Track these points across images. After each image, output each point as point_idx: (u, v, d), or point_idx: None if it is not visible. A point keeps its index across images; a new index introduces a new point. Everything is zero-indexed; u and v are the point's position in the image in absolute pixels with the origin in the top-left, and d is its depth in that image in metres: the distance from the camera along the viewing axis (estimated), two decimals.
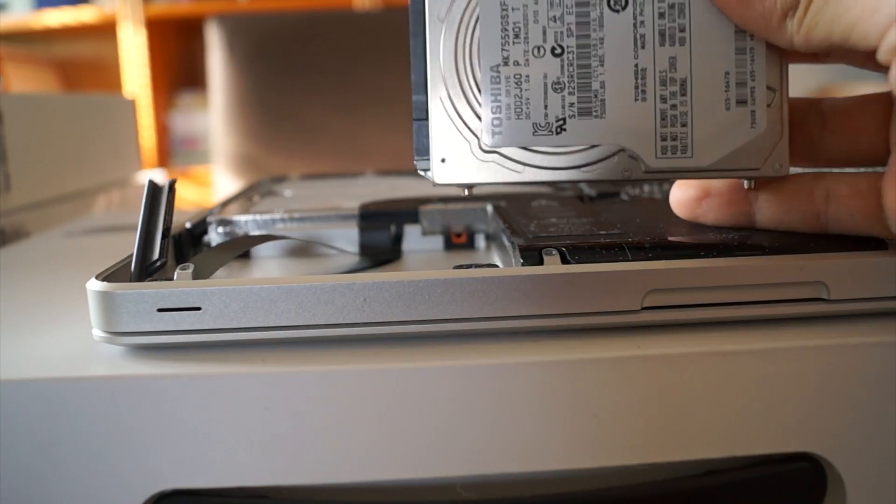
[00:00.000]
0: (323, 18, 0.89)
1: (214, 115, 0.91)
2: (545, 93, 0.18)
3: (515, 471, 0.18)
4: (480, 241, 0.28)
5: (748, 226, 0.20)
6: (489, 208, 0.27)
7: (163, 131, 1.32)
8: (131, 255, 0.20)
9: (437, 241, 0.28)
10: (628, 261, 0.19)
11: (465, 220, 0.28)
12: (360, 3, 1.24)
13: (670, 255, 0.19)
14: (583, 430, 0.18)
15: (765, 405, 0.18)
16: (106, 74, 1.36)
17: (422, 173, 0.19)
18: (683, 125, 0.18)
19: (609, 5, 0.18)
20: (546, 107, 0.18)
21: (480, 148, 0.18)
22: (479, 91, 0.18)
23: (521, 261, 0.19)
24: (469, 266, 0.19)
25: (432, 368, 0.17)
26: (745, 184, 0.19)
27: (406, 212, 0.28)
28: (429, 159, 0.18)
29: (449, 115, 0.18)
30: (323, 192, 0.36)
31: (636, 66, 0.18)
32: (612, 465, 0.18)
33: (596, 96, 0.18)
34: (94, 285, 0.18)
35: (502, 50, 0.18)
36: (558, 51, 0.18)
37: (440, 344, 0.18)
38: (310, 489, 0.18)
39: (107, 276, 0.19)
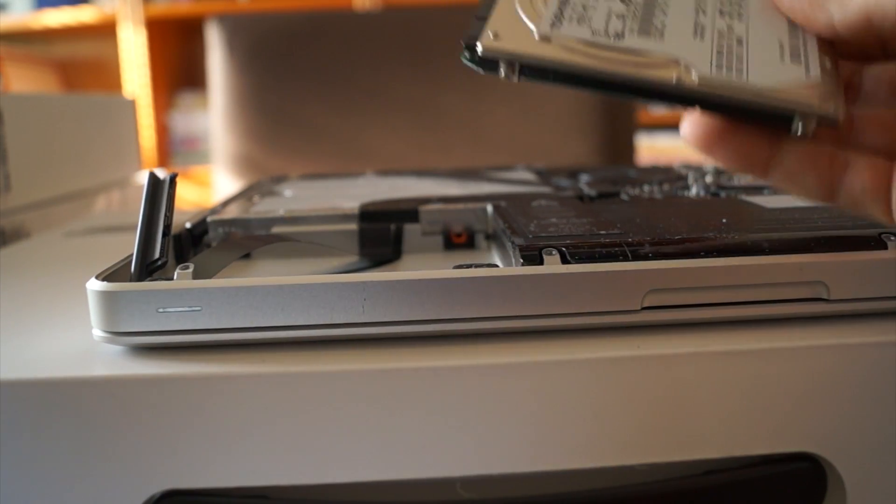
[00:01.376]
0: (323, 18, 0.89)
1: (214, 115, 0.91)
2: (609, 15, 0.19)
3: (515, 471, 0.18)
4: (480, 241, 0.28)
5: (759, 176, 0.20)
6: (489, 208, 0.27)
7: (163, 131, 1.32)
8: (131, 255, 0.20)
9: (437, 241, 0.28)
10: (628, 261, 0.19)
11: (465, 220, 0.28)
12: (361, 3, 1.24)
13: (670, 255, 0.19)
14: (583, 430, 0.18)
15: (765, 405, 0.18)
16: (106, 74, 1.36)
17: (466, 56, 0.18)
18: (739, 62, 0.18)
19: None
20: (608, 23, 0.18)
21: (537, 33, 0.18)
22: None
23: (521, 261, 0.19)
24: (469, 266, 0.19)
25: (432, 368, 0.17)
26: (795, 126, 0.18)
27: (406, 212, 0.28)
28: (485, 27, 0.18)
29: (514, 6, 0.18)
30: (323, 192, 0.36)
31: (696, 22, 0.19)
32: (612, 465, 0.18)
33: (656, 28, 0.19)
34: (95, 285, 0.18)
35: None
36: None
37: (440, 344, 0.18)
38: (310, 489, 0.18)
39: (107, 276, 0.19)
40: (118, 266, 0.20)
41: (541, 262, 0.19)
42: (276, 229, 0.27)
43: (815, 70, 0.18)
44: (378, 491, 0.19)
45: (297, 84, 0.89)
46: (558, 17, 0.18)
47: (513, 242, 0.21)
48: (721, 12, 0.19)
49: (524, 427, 0.18)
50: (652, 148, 1.28)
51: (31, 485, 0.17)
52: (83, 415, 0.17)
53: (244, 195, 0.35)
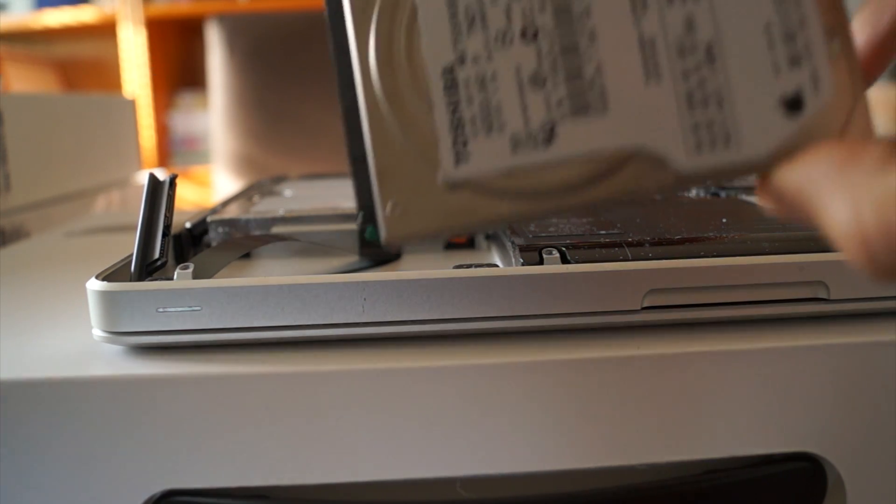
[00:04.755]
0: (323, 18, 0.89)
1: (214, 115, 0.91)
2: (521, 92, 0.13)
3: (515, 471, 0.18)
4: (480, 242, 0.28)
5: None
6: None
7: (163, 131, 1.32)
8: (131, 255, 0.20)
9: (437, 241, 0.28)
10: (628, 261, 0.19)
11: None
12: None
13: (670, 255, 0.19)
14: (583, 430, 0.18)
15: (765, 405, 0.18)
16: (106, 74, 1.36)
17: (371, 237, 0.14)
18: (720, 105, 0.13)
19: None
20: (525, 110, 0.13)
21: (443, 182, 0.13)
22: (432, 105, 0.13)
23: (521, 260, 0.19)
24: (469, 266, 0.19)
25: (432, 368, 0.17)
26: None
27: None
28: (375, 209, 0.14)
29: (395, 145, 0.13)
30: (323, 192, 0.36)
31: (640, 36, 0.13)
32: (612, 465, 0.18)
33: (592, 85, 0.13)
34: (95, 285, 0.18)
35: (455, 45, 0.13)
36: (531, 33, 0.13)
37: (440, 344, 0.18)
38: (310, 489, 0.18)
39: (107, 276, 0.19)
40: (118, 266, 0.20)
41: (541, 262, 0.19)
42: (276, 229, 0.27)
43: (825, 76, 0.13)
44: (378, 491, 0.19)
45: (297, 84, 0.89)
46: (459, 137, 0.13)
47: (513, 242, 0.21)
48: None
49: (524, 427, 0.18)
50: None
51: (32, 485, 0.17)
52: (83, 415, 0.17)
53: (244, 195, 0.35)
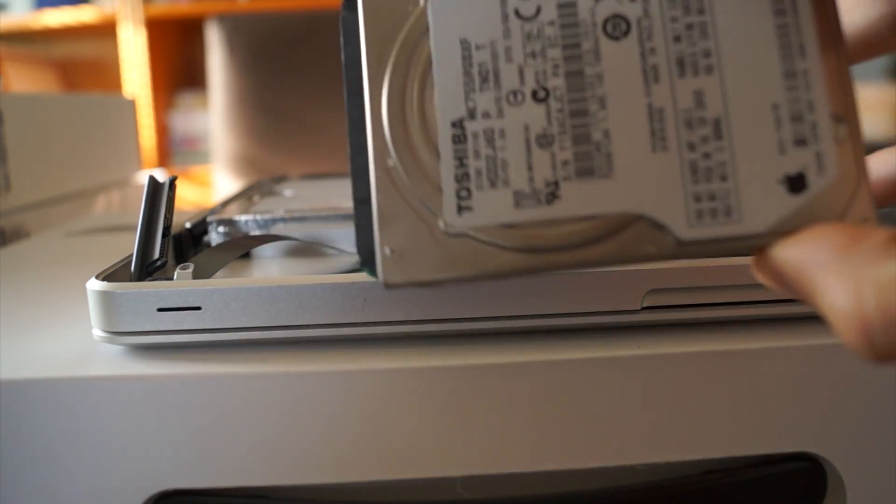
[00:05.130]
0: (323, 18, 0.89)
1: (214, 114, 0.91)
2: (528, 150, 0.13)
3: (515, 471, 0.18)
4: None
5: None
6: None
7: (163, 131, 1.32)
8: (131, 255, 0.20)
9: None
10: None
11: None
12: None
13: None
14: (583, 430, 0.18)
15: (765, 405, 0.18)
16: (106, 74, 1.36)
17: (368, 274, 0.14)
18: (723, 179, 0.13)
19: (605, 32, 0.14)
20: (531, 168, 0.13)
21: (444, 231, 0.13)
22: (439, 156, 0.14)
23: None
24: None
25: (432, 368, 0.17)
26: None
27: None
28: (374, 252, 0.14)
29: (399, 190, 0.14)
30: (323, 191, 0.36)
31: (649, 106, 0.13)
32: (612, 465, 0.18)
33: (598, 149, 0.13)
34: (94, 285, 0.18)
35: (466, 99, 0.14)
36: (542, 94, 0.13)
37: (440, 344, 0.18)
38: (310, 489, 0.18)
39: (107, 276, 0.19)
40: (118, 266, 0.20)
41: None
42: (276, 229, 0.27)
43: (830, 158, 0.13)
44: (378, 491, 0.19)
45: (297, 84, 0.89)
46: (463, 189, 0.13)
47: None
48: (681, 65, 0.13)
49: (524, 427, 0.18)
50: None
51: (32, 484, 0.17)
52: (83, 414, 0.17)
53: (244, 195, 0.35)
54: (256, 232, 0.27)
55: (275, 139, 0.88)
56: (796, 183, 0.13)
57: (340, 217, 0.28)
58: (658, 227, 0.13)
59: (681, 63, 0.13)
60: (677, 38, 0.13)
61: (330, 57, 0.85)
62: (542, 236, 0.13)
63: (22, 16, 1.29)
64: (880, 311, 0.10)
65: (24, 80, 1.26)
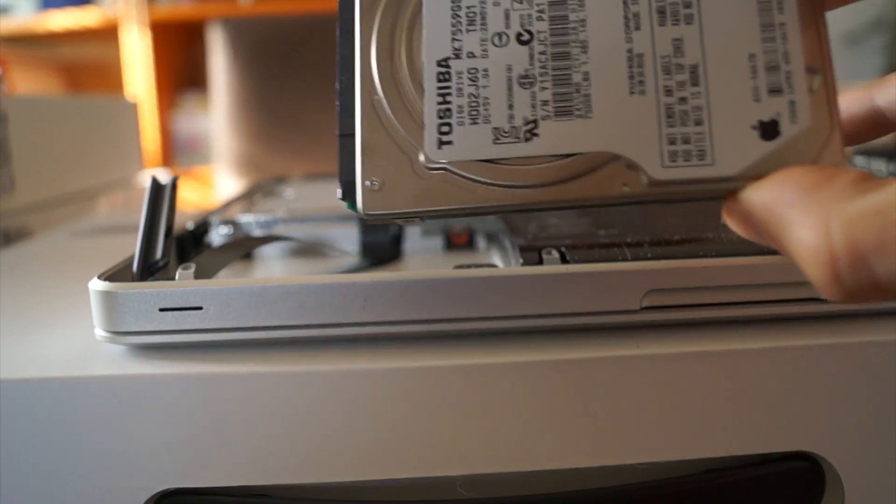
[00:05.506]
0: (324, 21, 0.89)
1: (217, 116, 0.91)
2: (510, 89, 0.14)
3: (515, 471, 0.18)
4: (480, 241, 0.28)
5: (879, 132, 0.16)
6: None
7: (166, 132, 1.32)
8: (133, 255, 0.20)
9: (437, 241, 0.28)
10: (627, 261, 0.19)
11: (465, 220, 0.28)
12: None
13: (669, 255, 0.19)
14: (583, 429, 0.18)
15: (764, 405, 0.18)
16: (109, 76, 1.36)
17: (350, 209, 0.15)
18: (698, 123, 0.13)
19: None
20: (511, 107, 0.14)
21: (424, 164, 0.14)
22: (424, 91, 0.14)
23: (521, 261, 0.19)
24: (469, 266, 0.19)
25: (432, 368, 0.17)
26: None
27: None
28: (355, 183, 0.14)
29: (383, 124, 0.14)
30: (324, 192, 0.36)
31: (629, 51, 0.14)
32: (612, 465, 0.18)
33: (578, 91, 0.14)
34: (97, 285, 0.18)
35: (453, 40, 0.14)
36: (525, 37, 0.14)
37: (440, 344, 0.18)
38: (310, 488, 0.18)
39: (109, 276, 0.19)
40: (120, 266, 0.20)
41: (540, 262, 0.19)
42: (278, 229, 0.28)
43: (803, 108, 0.13)
44: (378, 491, 0.19)
45: (299, 85, 0.89)
46: (445, 124, 0.14)
47: (513, 242, 0.21)
48: (662, 14, 0.14)
49: (524, 427, 0.18)
50: None
51: (34, 483, 0.17)
52: (85, 414, 0.17)
53: (246, 196, 0.36)
54: (258, 232, 0.28)
55: (276, 140, 0.88)
56: (769, 129, 0.13)
57: (341, 217, 0.28)
58: (633, 167, 0.13)
59: (662, 12, 0.14)
60: None
61: (331, 59, 0.85)
62: (520, 173, 0.14)
63: (26, 18, 1.30)
64: (848, 246, 0.11)
65: (28, 82, 1.26)
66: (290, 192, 0.37)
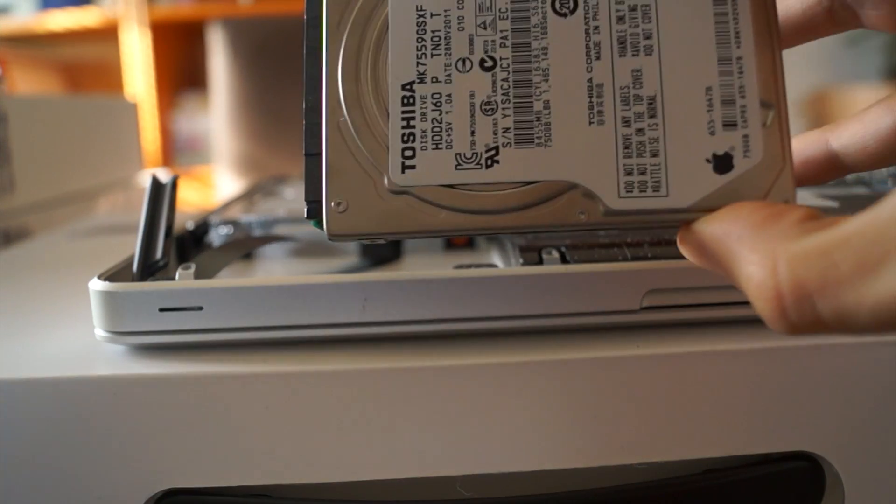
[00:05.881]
0: None
1: (217, 115, 0.91)
2: (472, 115, 0.14)
3: (515, 471, 0.18)
4: (480, 241, 0.28)
5: (837, 174, 0.17)
6: None
7: (166, 132, 1.32)
8: (133, 255, 0.20)
9: (437, 241, 0.28)
10: (627, 261, 0.19)
11: None
12: None
13: (669, 255, 0.19)
14: (583, 430, 0.18)
15: (764, 405, 0.18)
16: (109, 76, 1.36)
17: (314, 226, 0.15)
18: (654, 155, 0.14)
19: (554, 8, 0.14)
20: (473, 133, 0.14)
21: (388, 188, 0.14)
22: (388, 115, 0.14)
23: (521, 261, 0.19)
24: (469, 266, 0.19)
25: (432, 368, 0.17)
26: None
27: None
28: (321, 204, 0.14)
29: (348, 146, 0.14)
30: None
31: (590, 81, 0.14)
32: (612, 465, 0.18)
33: (538, 119, 0.14)
34: (97, 285, 0.18)
35: (417, 64, 0.14)
36: (489, 64, 0.14)
37: (440, 344, 0.18)
38: (310, 488, 0.18)
39: (109, 276, 0.19)
40: (120, 266, 0.20)
41: (540, 262, 0.19)
42: (278, 230, 0.28)
43: (756, 142, 0.14)
44: (378, 490, 0.19)
45: (298, 86, 0.89)
46: (408, 143, 0.14)
47: (513, 242, 0.21)
48: (622, 45, 0.14)
49: (524, 427, 0.18)
50: None
51: (33, 484, 0.17)
52: (85, 414, 0.17)
53: (246, 196, 0.36)
54: (258, 232, 0.28)
55: (276, 140, 0.88)
56: (723, 163, 0.14)
57: None
58: (590, 195, 0.14)
59: (622, 42, 0.14)
60: (621, 19, 0.14)
61: None
62: (480, 199, 0.14)
63: (26, 18, 1.30)
64: (793, 285, 0.11)
65: (28, 82, 1.26)
66: (290, 192, 0.37)
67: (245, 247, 0.26)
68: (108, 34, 1.29)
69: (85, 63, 1.41)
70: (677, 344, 0.18)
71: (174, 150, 1.36)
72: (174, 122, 1.34)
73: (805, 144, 0.17)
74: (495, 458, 0.18)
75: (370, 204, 0.14)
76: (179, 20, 1.26)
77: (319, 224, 0.15)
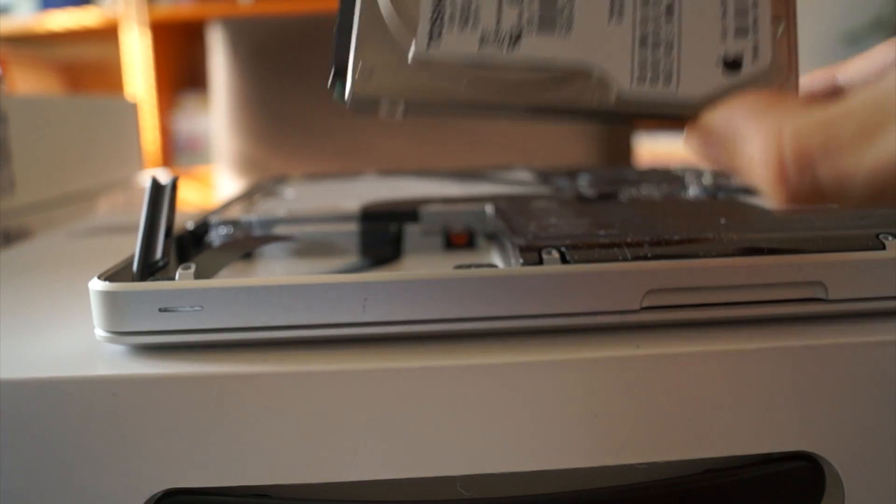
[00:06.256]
0: (325, 21, 0.89)
1: (217, 116, 0.91)
2: (500, 3, 0.15)
3: (515, 471, 0.18)
4: (480, 241, 0.28)
5: None
6: (489, 209, 0.27)
7: (166, 132, 1.32)
8: (133, 255, 0.20)
9: (437, 242, 0.28)
10: (627, 261, 0.19)
11: (465, 220, 0.28)
12: None
13: (669, 255, 0.19)
14: (583, 430, 0.18)
15: (764, 405, 0.18)
16: (109, 76, 1.36)
17: (337, 97, 0.16)
18: (668, 52, 0.15)
19: None
20: (499, 20, 0.15)
21: (414, 57, 0.15)
22: None
23: (521, 261, 0.19)
24: (469, 266, 0.19)
25: (432, 368, 0.17)
26: None
27: (406, 212, 0.28)
28: (347, 68, 0.15)
29: (380, 17, 0.15)
30: (324, 192, 0.36)
31: None
32: (612, 465, 0.18)
33: (562, 12, 0.15)
34: (97, 285, 0.18)
35: None
36: None
37: (440, 344, 0.19)
38: (310, 488, 0.18)
39: (109, 276, 0.19)
40: (120, 266, 0.20)
41: (540, 262, 0.19)
42: (278, 230, 0.28)
43: (765, 49, 0.15)
44: (378, 490, 0.19)
45: (299, 85, 0.89)
46: (437, 22, 0.15)
47: (513, 242, 0.21)
48: None
49: (524, 427, 0.18)
50: (653, 150, 1.28)
51: (33, 484, 0.17)
52: (85, 414, 0.17)
53: (246, 196, 0.36)
54: (258, 232, 0.28)
55: (276, 140, 0.88)
56: (732, 65, 0.15)
57: (342, 218, 0.28)
58: (604, 82, 0.15)
59: None
60: None
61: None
62: (499, 75, 0.15)
63: (26, 18, 1.30)
64: (796, 152, 0.12)
65: (28, 82, 1.26)
66: (290, 192, 0.37)
67: (245, 247, 0.26)
68: (108, 34, 1.29)
69: (85, 63, 1.41)
70: (677, 344, 0.18)
71: (174, 150, 1.36)
72: (174, 122, 1.34)
73: (812, 79, 0.18)
74: (495, 458, 0.18)
75: (394, 71, 0.15)
76: (179, 20, 1.26)
77: (342, 89, 0.15)
